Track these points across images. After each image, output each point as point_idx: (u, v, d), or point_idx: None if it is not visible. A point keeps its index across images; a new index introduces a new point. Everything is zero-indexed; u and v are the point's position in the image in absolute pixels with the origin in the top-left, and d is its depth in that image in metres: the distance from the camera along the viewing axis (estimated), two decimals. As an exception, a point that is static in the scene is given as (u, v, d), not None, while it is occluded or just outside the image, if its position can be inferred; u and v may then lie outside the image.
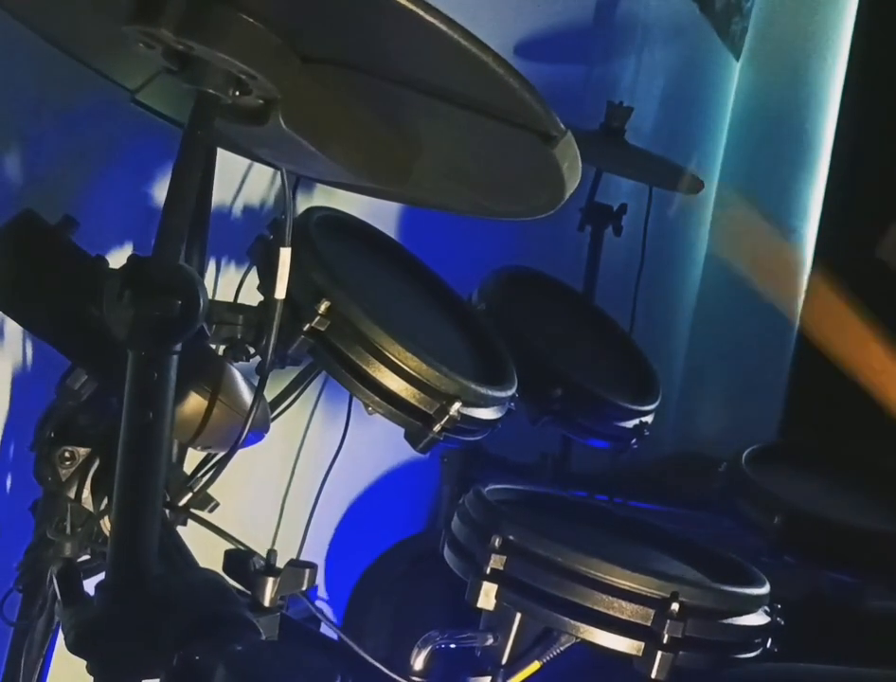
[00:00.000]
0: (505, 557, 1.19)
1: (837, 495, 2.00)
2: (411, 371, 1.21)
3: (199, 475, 1.12)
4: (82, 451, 1.06)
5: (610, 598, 1.16)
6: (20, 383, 1.34)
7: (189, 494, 1.10)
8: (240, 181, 1.69)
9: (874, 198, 3.56)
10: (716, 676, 1.20)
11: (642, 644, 1.14)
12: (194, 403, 1.04)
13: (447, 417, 1.22)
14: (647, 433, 1.96)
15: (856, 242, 3.56)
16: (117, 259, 0.88)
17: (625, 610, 1.15)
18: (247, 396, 1.09)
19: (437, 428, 1.22)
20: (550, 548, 1.19)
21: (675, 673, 1.13)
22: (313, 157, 0.94)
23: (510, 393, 1.36)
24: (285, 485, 2.01)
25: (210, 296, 1.37)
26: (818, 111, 3.89)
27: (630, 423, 1.94)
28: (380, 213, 1.61)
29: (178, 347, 0.85)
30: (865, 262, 3.45)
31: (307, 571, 1.02)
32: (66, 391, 1.06)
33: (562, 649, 1.20)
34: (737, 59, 3.90)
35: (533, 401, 1.81)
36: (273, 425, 1.20)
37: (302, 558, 1.18)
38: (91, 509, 1.06)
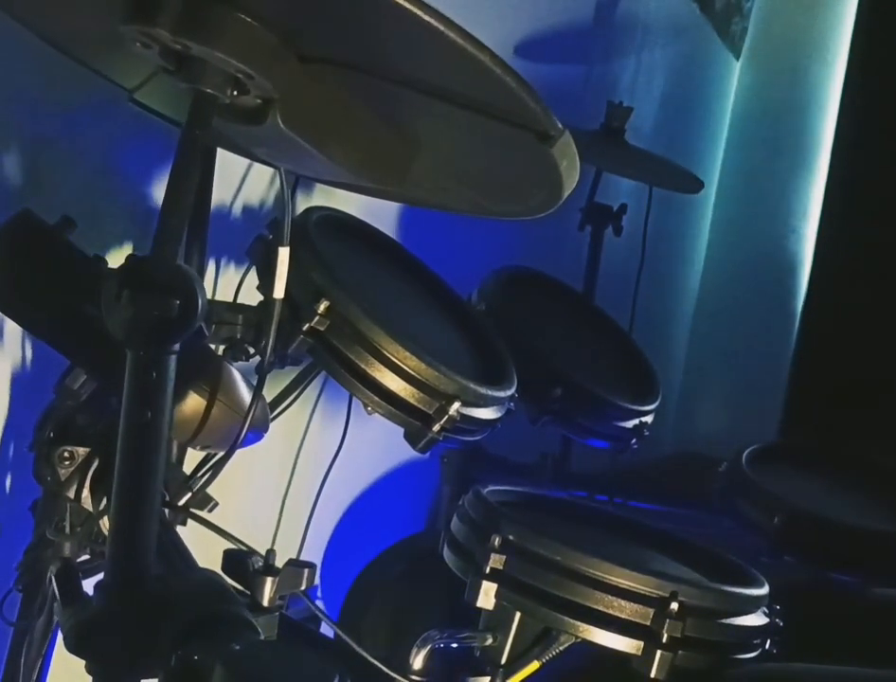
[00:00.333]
0: (504, 556, 1.19)
1: (837, 495, 2.00)
2: (410, 371, 1.21)
3: (198, 474, 1.12)
4: (82, 451, 1.06)
5: (609, 597, 1.16)
6: (19, 383, 1.34)
7: (189, 494, 1.10)
8: (239, 181, 1.69)
9: (874, 198, 3.56)
10: (715, 676, 1.20)
11: (641, 643, 1.14)
12: (193, 402, 1.04)
13: (446, 417, 1.22)
14: (647, 433, 1.96)
15: (856, 241, 3.57)
16: (116, 258, 0.88)
17: (624, 609, 1.15)
18: (246, 396, 1.09)
19: (436, 428, 1.22)
20: (550, 548, 1.19)
21: (674, 672, 1.13)
22: (312, 157, 0.94)
23: (509, 393, 1.36)
24: (285, 485, 2.01)
25: (210, 296, 1.38)
26: (818, 111, 3.89)
27: (630, 423, 1.94)
28: (380, 213, 1.61)
29: (177, 346, 0.85)
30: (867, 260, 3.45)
31: (306, 571, 1.01)
32: (65, 391, 1.06)
33: (561, 648, 1.20)
34: (737, 59, 3.90)
35: (533, 401, 1.81)
36: (273, 425, 1.20)
37: (302, 558, 1.18)
38: (90, 508, 1.06)
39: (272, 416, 1.23)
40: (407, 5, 0.70)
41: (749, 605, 1.23)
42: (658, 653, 1.13)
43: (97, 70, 1.04)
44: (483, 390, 1.28)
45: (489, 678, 1.22)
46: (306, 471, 2.00)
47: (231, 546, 1.04)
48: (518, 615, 1.21)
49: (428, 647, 1.19)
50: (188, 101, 0.84)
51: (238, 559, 1.01)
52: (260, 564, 1.00)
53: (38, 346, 1.33)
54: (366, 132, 0.96)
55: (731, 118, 3.98)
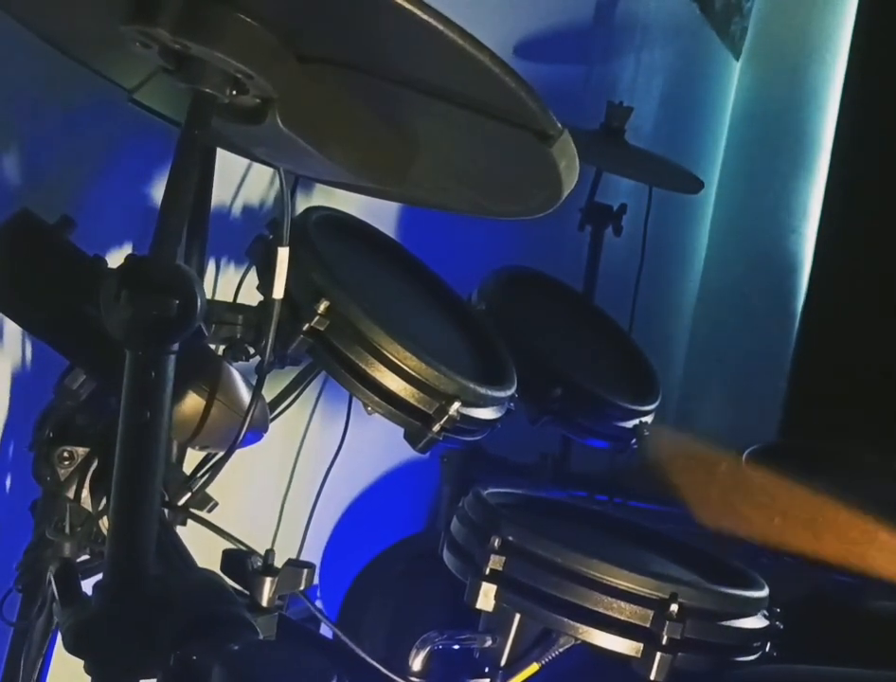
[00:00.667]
0: (504, 558, 1.19)
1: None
2: (410, 371, 1.21)
3: (198, 474, 1.12)
4: (81, 451, 1.06)
5: (609, 599, 1.15)
6: (19, 383, 1.34)
7: (188, 494, 1.10)
8: (239, 181, 1.69)
9: (874, 198, 3.56)
10: (715, 678, 1.20)
11: (641, 645, 1.14)
12: (192, 402, 1.04)
13: (446, 417, 1.22)
14: (647, 433, 1.95)
15: (856, 241, 3.57)
16: (116, 258, 0.88)
17: (624, 611, 1.15)
18: (246, 396, 1.09)
19: (436, 428, 1.22)
20: (549, 549, 1.19)
21: (674, 674, 1.13)
22: (311, 157, 0.94)
23: (509, 393, 1.36)
24: (285, 485, 2.01)
25: (210, 296, 1.38)
26: (818, 111, 3.89)
27: (630, 423, 1.94)
28: (380, 213, 1.61)
29: (176, 346, 0.85)
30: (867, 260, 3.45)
31: (305, 571, 1.01)
32: (65, 391, 1.06)
33: (561, 650, 1.19)
34: (737, 59, 3.90)
35: (533, 401, 1.80)
36: (273, 425, 1.20)
37: (302, 558, 1.18)
38: (90, 509, 1.06)
39: (272, 416, 1.23)
40: (407, 5, 0.70)
41: (749, 607, 1.22)
42: (658, 654, 1.13)
43: (96, 70, 1.04)
44: (483, 390, 1.28)
45: (488, 680, 1.22)
46: (306, 471, 2.00)
47: (231, 546, 1.04)
48: (518, 616, 1.21)
49: (427, 648, 1.19)
50: (188, 101, 0.84)
51: (237, 559, 1.01)
52: (260, 564, 1.00)
53: (38, 346, 1.33)
54: (365, 132, 0.96)
55: (731, 118, 3.98)
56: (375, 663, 1.12)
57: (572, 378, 1.86)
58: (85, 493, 1.06)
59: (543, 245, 2.34)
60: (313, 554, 2.07)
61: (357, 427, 1.66)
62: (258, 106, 0.87)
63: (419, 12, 0.70)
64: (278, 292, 1.09)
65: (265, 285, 1.22)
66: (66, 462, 1.06)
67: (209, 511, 1.11)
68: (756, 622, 1.22)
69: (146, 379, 0.84)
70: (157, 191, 1.47)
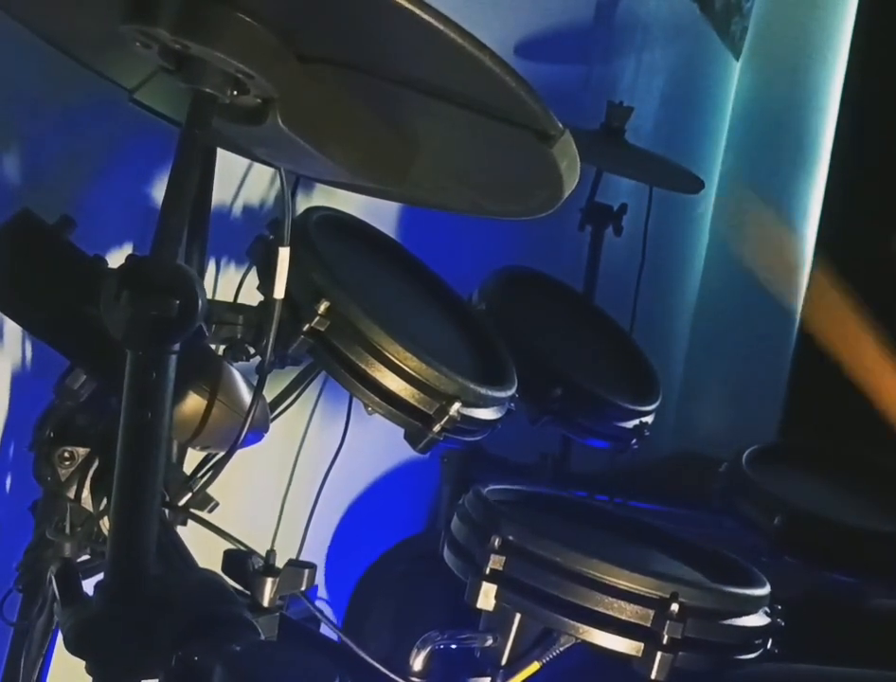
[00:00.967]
0: (504, 557, 1.19)
1: (837, 495, 2.00)
2: (411, 371, 1.21)
3: (199, 475, 1.12)
4: (82, 451, 1.06)
5: (610, 598, 1.15)
6: (19, 383, 1.34)
7: (189, 494, 1.10)
8: (239, 181, 1.69)
9: (874, 198, 3.56)
10: (716, 677, 1.20)
11: (642, 645, 1.14)
12: (193, 402, 1.04)
13: (447, 417, 1.22)
14: (647, 433, 1.96)
15: (856, 241, 3.57)
16: (117, 259, 0.88)
17: (625, 610, 1.15)
18: (247, 396, 1.09)
19: (436, 428, 1.22)
20: (550, 549, 1.19)
21: (675, 673, 1.13)
22: (312, 157, 0.94)
23: (509, 393, 1.36)
24: (285, 485, 2.01)
25: (210, 296, 1.38)
26: (818, 111, 3.89)
27: (630, 423, 1.94)
28: (380, 213, 1.61)
29: (177, 346, 0.85)
30: (867, 260, 3.45)
31: (306, 571, 1.01)
32: (65, 391, 1.06)
33: (561, 649, 1.19)
34: (737, 59, 3.90)
35: (533, 401, 1.80)
36: (273, 425, 1.20)
37: (302, 558, 1.18)
38: (90, 509, 1.06)
39: (272, 416, 1.23)
40: (407, 4, 0.70)
41: (750, 606, 1.22)
42: (659, 654, 1.12)
43: (97, 70, 1.04)
44: (483, 390, 1.28)
45: (489, 679, 1.22)
46: (306, 471, 2.00)
47: (231, 546, 1.04)
48: (518, 616, 1.21)
49: (428, 648, 1.19)
50: (188, 101, 0.84)
51: (238, 559, 1.02)
52: (261, 564, 1.00)
53: (38, 346, 1.33)
54: (365, 132, 0.96)
55: (731, 118, 3.98)
56: (376, 663, 1.12)
57: (572, 378, 1.86)
58: (86, 493, 1.06)
59: (543, 245, 2.34)
60: (313, 554, 2.07)
61: (357, 427, 1.66)
62: (258, 106, 0.87)
63: (419, 12, 0.70)
64: (279, 292, 1.09)
65: (266, 285, 1.22)
66: (67, 462, 1.06)
67: (210, 511, 1.11)
68: (757, 620, 1.22)
69: (146, 379, 0.84)
70: (158, 191, 1.47)
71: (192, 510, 1.09)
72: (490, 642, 1.22)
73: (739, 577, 1.29)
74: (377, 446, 2.09)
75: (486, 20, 1.61)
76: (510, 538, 1.20)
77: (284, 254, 1.08)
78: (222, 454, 1.10)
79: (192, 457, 1.18)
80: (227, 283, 1.60)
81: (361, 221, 1.48)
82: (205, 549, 1.04)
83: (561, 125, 0.80)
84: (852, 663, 1.29)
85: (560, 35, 2.56)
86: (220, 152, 1.31)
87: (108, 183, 1.44)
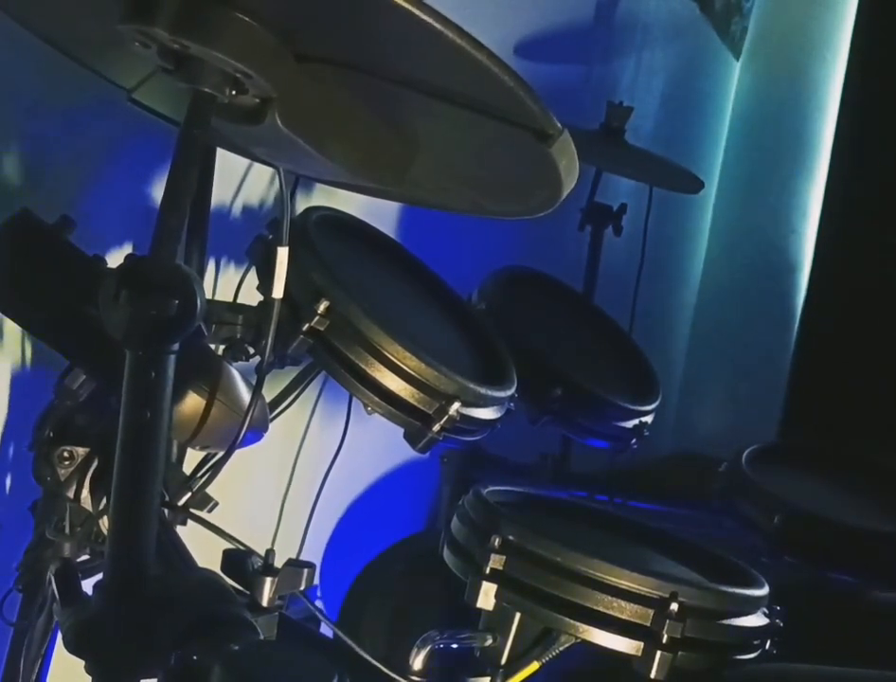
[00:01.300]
0: (504, 557, 1.19)
1: (837, 495, 2.00)
2: (410, 371, 1.21)
3: (198, 474, 1.12)
4: (81, 451, 1.06)
5: (609, 597, 1.15)
6: (19, 383, 1.34)
7: (188, 494, 1.10)
8: (239, 181, 1.69)
9: (874, 198, 3.56)
10: (715, 677, 1.20)
11: (641, 644, 1.14)
12: (192, 402, 1.04)
13: (446, 417, 1.22)
14: (647, 433, 1.96)
15: (856, 241, 3.57)
16: (116, 258, 0.88)
17: (624, 610, 1.15)
18: (246, 396, 1.09)
19: (436, 428, 1.22)
20: (550, 548, 1.19)
21: (674, 673, 1.13)
22: (311, 156, 0.94)
23: (509, 393, 1.36)
24: (285, 485, 2.01)
25: (210, 296, 1.38)
26: (818, 111, 3.89)
27: (630, 423, 1.94)
28: (380, 213, 1.61)
29: (176, 346, 0.85)
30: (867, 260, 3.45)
31: (305, 571, 1.01)
32: (65, 391, 1.06)
33: (561, 649, 1.19)
34: (737, 59, 3.90)
35: (533, 401, 1.80)
36: (273, 425, 1.20)
37: (302, 558, 1.18)
38: (90, 508, 1.06)
39: (272, 416, 1.23)
40: (405, 4, 0.70)
41: (749, 606, 1.22)
42: (658, 653, 1.12)
43: (95, 70, 1.04)
44: (483, 390, 1.28)
45: (488, 679, 1.22)
46: (306, 471, 2.00)
47: (231, 546, 1.04)
48: (518, 615, 1.21)
49: (428, 647, 1.19)
50: (187, 101, 0.84)
51: (237, 559, 1.01)
52: (260, 564, 1.00)
53: (38, 346, 1.33)
54: (365, 132, 0.96)
55: (731, 118, 3.98)
56: (376, 662, 1.12)
57: (572, 378, 1.86)
58: (85, 492, 1.06)
59: (543, 245, 2.34)
60: (314, 554, 2.07)
61: (357, 427, 1.66)
62: (257, 106, 0.87)
63: (417, 12, 0.70)
64: (278, 292, 1.09)
65: (265, 285, 1.22)
66: (66, 462, 1.06)
67: (209, 510, 1.11)
68: (756, 621, 1.22)
69: (146, 379, 0.84)
70: (157, 191, 1.47)
71: (192, 509, 1.09)
72: (489, 642, 1.22)
73: (738, 577, 1.29)
74: (377, 446, 2.09)
75: (486, 20, 1.60)
76: (510, 537, 1.20)
77: (283, 254, 1.08)
78: (221, 453, 1.10)
79: (192, 457, 1.18)
80: (227, 283, 1.60)
81: (361, 221, 1.48)
82: (204, 549, 1.04)
83: (559, 125, 0.80)
84: (852, 663, 1.29)
85: (560, 35, 2.56)
86: (219, 151, 1.31)
87: (108, 183, 1.44)
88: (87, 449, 1.06)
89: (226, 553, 1.03)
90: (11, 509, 1.30)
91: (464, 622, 1.24)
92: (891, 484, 2.05)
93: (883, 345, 3.49)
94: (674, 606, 1.13)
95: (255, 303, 1.30)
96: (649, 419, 1.97)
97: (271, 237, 1.26)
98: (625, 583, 1.16)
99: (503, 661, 1.22)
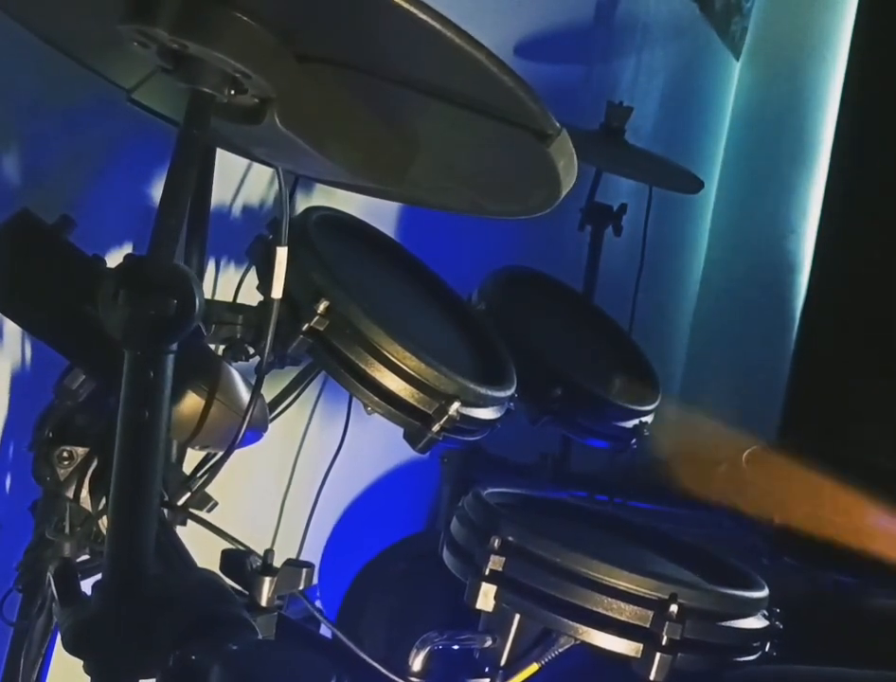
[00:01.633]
0: (504, 558, 1.19)
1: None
2: (410, 371, 1.21)
3: (198, 474, 1.12)
4: (81, 451, 1.06)
5: (609, 599, 1.15)
6: (18, 383, 1.34)
7: (188, 494, 1.10)
8: (239, 181, 1.69)
9: (874, 198, 3.56)
10: (714, 679, 1.20)
11: (641, 646, 1.14)
12: (191, 402, 1.04)
13: (446, 417, 1.22)
14: (647, 433, 1.96)
15: (856, 241, 3.57)
16: (116, 258, 0.88)
17: (624, 611, 1.15)
18: (245, 396, 1.09)
19: (436, 428, 1.22)
20: (549, 550, 1.19)
21: (674, 674, 1.13)
22: (311, 156, 0.94)
23: (509, 393, 1.36)
24: (285, 485, 2.01)
25: (210, 296, 1.38)
26: (818, 111, 3.89)
27: (630, 423, 1.94)
28: (380, 213, 1.61)
29: (175, 346, 0.85)
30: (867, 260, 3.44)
31: (304, 571, 1.01)
32: (64, 391, 1.06)
33: (560, 650, 1.19)
34: (737, 59, 3.90)
35: (533, 401, 1.80)
36: (273, 425, 1.20)
37: (302, 558, 1.18)
38: (90, 508, 1.06)
39: (272, 416, 1.23)
40: (405, 4, 0.70)
41: (749, 608, 1.22)
42: (658, 655, 1.12)
43: (95, 70, 1.04)
44: (483, 390, 1.28)
45: (488, 680, 1.22)
46: (306, 471, 2.00)
47: (230, 546, 1.04)
48: (517, 617, 1.21)
49: (427, 648, 1.19)
50: (186, 101, 0.84)
51: (236, 559, 1.01)
52: (259, 564, 1.00)
53: (38, 346, 1.33)
54: (365, 132, 0.96)
55: (731, 118, 3.98)
56: (375, 663, 1.12)
57: (572, 378, 1.86)
58: (85, 492, 1.06)
59: (543, 245, 2.34)
60: (313, 554, 2.07)
61: (357, 427, 1.66)
62: (256, 106, 0.87)
63: (417, 12, 0.70)
64: (277, 292, 1.09)
65: (265, 285, 1.22)
66: (66, 462, 1.06)
67: (209, 510, 1.11)
68: (755, 622, 1.22)
69: (145, 379, 0.84)
70: (157, 191, 1.47)
71: (191, 509, 1.09)
72: (489, 643, 1.22)
73: (738, 579, 1.29)
74: (377, 446, 2.09)
75: (486, 20, 1.61)
76: (510, 539, 1.20)
77: (282, 254, 1.08)
78: (221, 453, 1.10)
79: (192, 457, 1.18)
80: (227, 283, 1.60)
81: (361, 221, 1.48)
82: (204, 549, 1.04)
83: (558, 124, 0.80)
84: (852, 663, 1.29)
85: (560, 35, 2.56)
86: (219, 151, 1.31)
87: (108, 183, 1.44)
88: (87, 449, 1.06)
89: (225, 553, 1.03)
90: (11, 509, 1.30)
91: (464, 623, 1.24)
92: (891, 484, 2.05)
93: (883, 345, 3.49)
94: (674, 608, 1.13)
95: (255, 303, 1.30)
96: (649, 419, 1.97)
97: (271, 237, 1.26)
98: (624, 585, 1.16)
99: (502, 662, 1.22)
